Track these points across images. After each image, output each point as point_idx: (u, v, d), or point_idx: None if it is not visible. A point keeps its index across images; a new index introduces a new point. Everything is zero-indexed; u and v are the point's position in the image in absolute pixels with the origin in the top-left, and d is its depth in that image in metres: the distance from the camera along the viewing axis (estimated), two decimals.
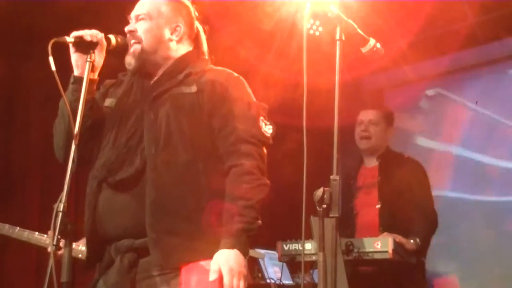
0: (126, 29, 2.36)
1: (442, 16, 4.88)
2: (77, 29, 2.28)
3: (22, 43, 4.53)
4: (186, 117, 2.25)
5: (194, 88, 2.29)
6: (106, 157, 2.26)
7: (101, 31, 2.30)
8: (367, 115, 3.97)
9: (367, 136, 3.93)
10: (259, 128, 2.29)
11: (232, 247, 2.12)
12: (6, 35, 4.39)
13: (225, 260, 2.10)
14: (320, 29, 4.87)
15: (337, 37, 2.23)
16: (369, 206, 3.82)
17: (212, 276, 2.09)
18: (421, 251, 3.60)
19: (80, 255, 3.10)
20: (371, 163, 3.97)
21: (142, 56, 2.33)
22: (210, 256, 2.13)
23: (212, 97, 2.28)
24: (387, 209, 3.75)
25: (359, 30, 2.29)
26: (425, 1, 4.66)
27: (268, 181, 2.25)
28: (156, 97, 2.29)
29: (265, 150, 2.30)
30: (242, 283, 2.11)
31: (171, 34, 2.38)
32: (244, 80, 2.39)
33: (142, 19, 2.35)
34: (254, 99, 2.36)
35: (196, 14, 2.49)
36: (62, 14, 4.19)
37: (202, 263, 2.15)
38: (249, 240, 2.18)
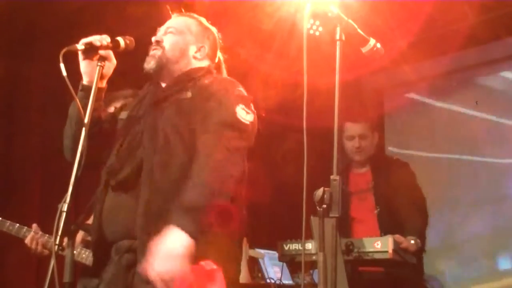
0: (153, 38, 2.40)
1: (442, 16, 4.88)
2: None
3: (22, 43, 4.53)
4: (183, 121, 2.27)
5: (189, 94, 2.33)
6: (111, 160, 2.30)
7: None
8: (356, 130, 3.91)
9: (361, 150, 3.94)
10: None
11: None
12: (6, 35, 4.38)
13: None
14: (320, 29, 4.87)
15: (337, 37, 2.24)
16: (366, 212, 3.83)
17: None
18: (422, 249, 3.62)
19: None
20: (362, 168, 3.99)
21: (162, 60, 2.36)
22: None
23: (202, 103, 2.28)
24: (386, 213, 3.77)
25: (359, 30, 2.30)
26: (425, 1, 4.66)
27: None
28: (156, 103, 2.32)
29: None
30: None
31: (195, 52, 2.43)
32: (236, 83, 2.37)
33: (171, 32, 2.41)
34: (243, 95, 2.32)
35: (221, 42, 2.54)
36: (62, 14, 4.20)
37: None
38: None
